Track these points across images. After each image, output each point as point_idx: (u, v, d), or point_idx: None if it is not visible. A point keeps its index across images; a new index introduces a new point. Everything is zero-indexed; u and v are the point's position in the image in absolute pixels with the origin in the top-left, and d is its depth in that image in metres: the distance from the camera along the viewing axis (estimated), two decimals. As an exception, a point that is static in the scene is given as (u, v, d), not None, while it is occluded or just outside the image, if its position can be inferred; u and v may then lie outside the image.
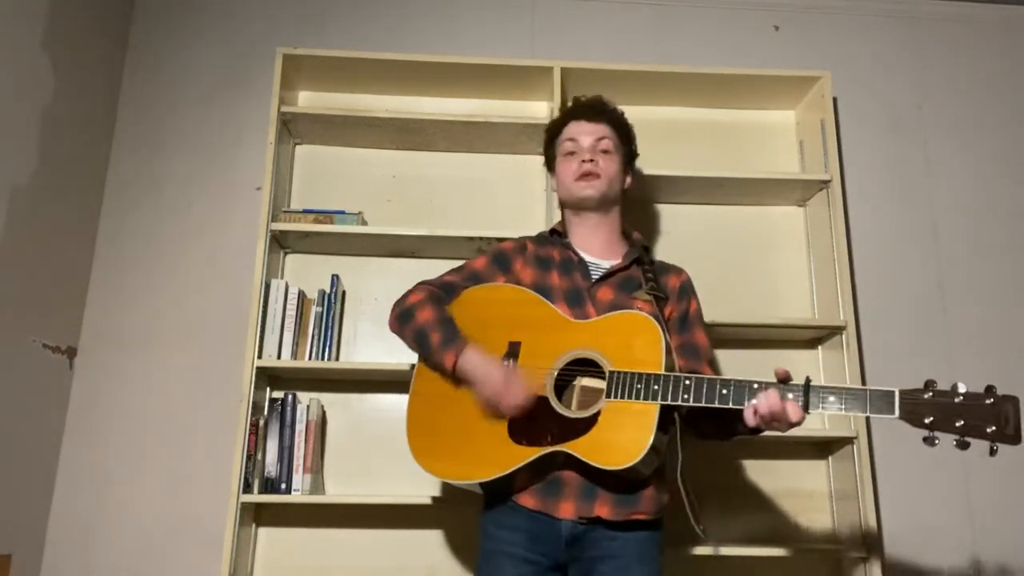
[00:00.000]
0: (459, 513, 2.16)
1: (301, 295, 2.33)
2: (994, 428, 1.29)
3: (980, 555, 2.41)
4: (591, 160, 1.80)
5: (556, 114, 2.40)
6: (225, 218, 2.57)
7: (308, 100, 2.66)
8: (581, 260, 1.78)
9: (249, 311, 2.23)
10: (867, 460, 2.25)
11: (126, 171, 2.62)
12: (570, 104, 2.00)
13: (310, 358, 2.29)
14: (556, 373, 1.59)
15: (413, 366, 1.78)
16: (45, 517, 2.32)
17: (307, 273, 2.47)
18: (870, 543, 2.17)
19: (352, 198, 2.52)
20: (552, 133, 1.93)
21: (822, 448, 2.43)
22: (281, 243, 2.44)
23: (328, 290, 2.36)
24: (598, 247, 1.81)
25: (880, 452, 2.43)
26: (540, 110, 2.62)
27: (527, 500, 1.59)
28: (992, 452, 1.31)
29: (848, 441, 2.28)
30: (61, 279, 2.41)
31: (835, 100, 2.59)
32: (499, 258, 1.83)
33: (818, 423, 2.44)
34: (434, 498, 2.15)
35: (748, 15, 2.87)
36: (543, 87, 2.55)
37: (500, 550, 1.60)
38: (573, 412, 1.56)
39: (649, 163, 2.47)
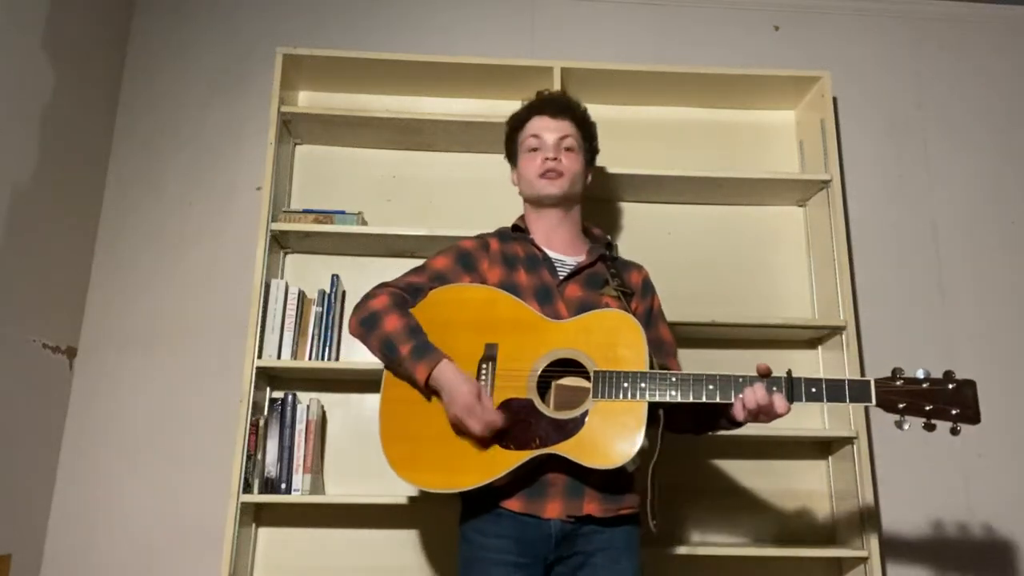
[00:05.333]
0: (457, 513, 2.16)
1: (301, 295, 2.34)
2: (958, 411, 1.43)
3: (980, 555, 2.41)
4: (555, 158, 1.77)
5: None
6: (225, 218, 2.57)
7: (308, 100, 2.66)
8: (546, 256, 1.75)
9: (249, 311, 2.23)
10: (867, 460, 2.25)
11: (126, 171, 2.62)
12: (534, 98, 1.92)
13: (310, 358, 2.29)
14: (538, 375, 1.57)
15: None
16: (45, 517, 2.32)
17: (307, 273, 2.47)
18: (870, 543, 2.18)
19: (352, 198, 2.52)
20: (514, 126, 1.87)
21: (822, 448, 2.43)
22: (281, 243, 2.44)
23: (328, 290, 2.37)
24: (561, 243, 1.79)
25: (880, 452, 2.43)
26: (540, 110, 2.62)
27: (513, 504, 1.56)
28: (954, 432, 1.45)
29: (848, 441, 2.28)
30: (61, 279, 2.41)
31: (835, 100, 2.59)
32: (463, 258, 1.76)
33: (818, 423, 2.45)
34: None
35: (748, 15, 2.87)
36: (543, 87, 2.54)
37: (487, 558, 1.56)
38: (561, 414, 1.54)
39: (649, 163, 2.48)
